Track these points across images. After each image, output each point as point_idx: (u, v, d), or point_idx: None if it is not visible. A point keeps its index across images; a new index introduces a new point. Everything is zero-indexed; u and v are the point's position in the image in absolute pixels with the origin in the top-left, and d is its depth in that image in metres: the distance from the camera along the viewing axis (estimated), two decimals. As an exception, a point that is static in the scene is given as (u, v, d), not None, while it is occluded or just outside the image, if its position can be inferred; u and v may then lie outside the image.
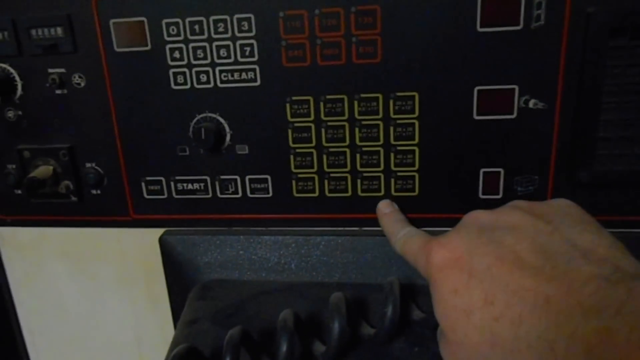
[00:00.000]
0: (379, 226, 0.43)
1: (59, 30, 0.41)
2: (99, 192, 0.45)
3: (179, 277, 0.45)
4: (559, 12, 0.36)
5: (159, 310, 0.49)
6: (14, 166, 0.45)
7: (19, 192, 0.46)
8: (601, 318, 0.22)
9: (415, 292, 0.40)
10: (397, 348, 0.35)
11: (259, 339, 0.37)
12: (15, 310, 0.52)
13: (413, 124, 0.40)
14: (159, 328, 0.50)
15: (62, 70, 0.42)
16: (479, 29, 0.37)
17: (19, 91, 0.43)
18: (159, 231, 0.46)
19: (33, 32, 0.41)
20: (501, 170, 0.40)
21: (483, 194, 0.41)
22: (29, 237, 0.49)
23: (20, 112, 0.44)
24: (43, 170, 0.44)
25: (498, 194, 0.41)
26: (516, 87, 0.38)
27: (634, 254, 0.31)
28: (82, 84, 0.42)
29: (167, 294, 0.48)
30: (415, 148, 0.40)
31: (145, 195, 0.45)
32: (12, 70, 0.43)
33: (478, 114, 0.39)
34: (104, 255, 0.49)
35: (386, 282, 0.36)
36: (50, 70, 0.42)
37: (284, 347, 0.32)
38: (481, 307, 0.26)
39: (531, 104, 0.38)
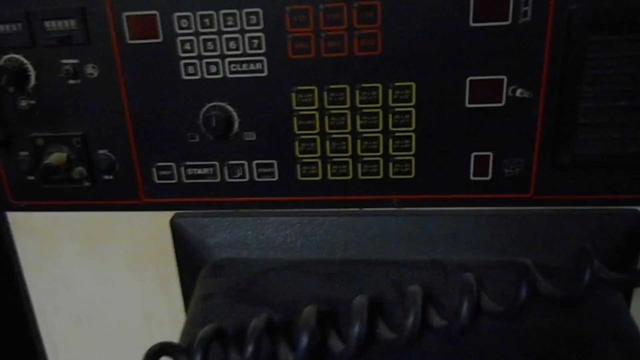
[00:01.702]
0: (377, 207, 0.46)
1: (73, 22, 0.43)
2: (111, 177, 0.47)
3: (190, 257, 0.47)
4: (544, 8, 0.39)
5: (168, 289, 0.52)
6: (26, 153, 0.47)
7: (32, 178, 0.48)
8: None
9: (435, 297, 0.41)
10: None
11: (272, 313, 0.39)
12: (27, 292, 0.54)
13: (410, 111, 0.43)
14: (168, 305, 0.53)
15: (76, 61, 0.44)
16: (472, 24, 0.40)
17: (32, 81, 0.45)
18: (168, 214, 0.48)
19: (47, 23, 0.43)
20: (490, 153, 0.44)
21: (474, 175, 0.44)
22: (40, 221, 0.51)
23: (33, 102, 0.46)
24: (57, 157, 0.46)
25: (487, 176, 0.44)
26: (505, 78, 0.41)
27: (606, 229, 0.35)
28: (95, 74, 0.44)
29: (175, 273, 0.50)
30: (412, 134, 0.43)
31: (156, 180, 0.47)
32: (25, 61, 0.45)
33: (470, 103, 0.42)
34: (115, 238, 0.51)
35: (409, 291, 0.38)
36: (63, 61, 0.44)
37: (304, 343, 0.34)
38: None
39: (518, 93, 0.41)
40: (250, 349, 0.34)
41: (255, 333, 0.35)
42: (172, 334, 0.41)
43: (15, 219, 0.51)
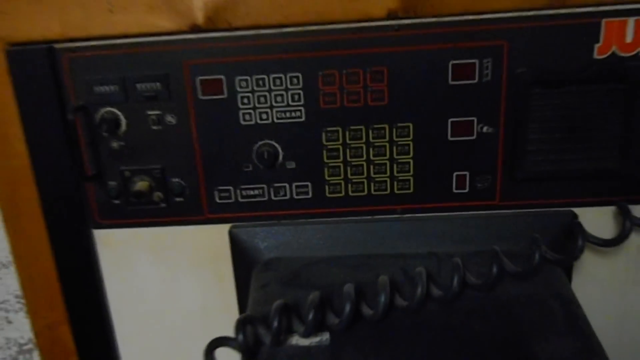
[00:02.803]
0: (385, 214, 0.62)
1: (158, 84, 0.58)
2: (182, 199, 0.62)
3: (244, 259, 0.62)
4: (500, 71, 0.56)
5: (223, 287, 0.66)
6: (114, 182, 0.61)
7: (117, 202, 0.62)
8: None
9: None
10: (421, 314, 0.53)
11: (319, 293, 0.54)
12: (106, 295, 0.67)
13: (409, 144, 0.59)
14: (222, 300, 0.66)
15: (159, 112, 0.58)
16: (450, 82, 0.56)
17: (123, 127, 0.59)
18: (226, 226, 0.63)
19: (138, 85, 0.58)
20: (467, 173, 0.60)
21: (455, 189, 0.60)
22: (119, 237, 0.65)
23: (123, 143, 0.60)
24: (143, 184, 0.60)
25: (465, 189, 0.60)
26: (475, 119, 0.58)
27: (550, 224, 0.51)
28: (174, 122, 0.59)
29: (229, 274, 0.64)
30: (411, 160, 0.60)
31: (217, 200, 0.62)
32: (118, 112, 0.59)
33: (451, 137, 0.58)
34: (181, 247, 0.65)
35: (416, 271, 0.53)
36: (149, 112, 0.59)
37: (347, 309, 0.49)
38: None
39: (485, 129, 0.58)
40: (311, 315, 0.49)
41: (313, 304, 0.49)
42: (226, 323, 0.54)
43: (99, 235, 0.65)
